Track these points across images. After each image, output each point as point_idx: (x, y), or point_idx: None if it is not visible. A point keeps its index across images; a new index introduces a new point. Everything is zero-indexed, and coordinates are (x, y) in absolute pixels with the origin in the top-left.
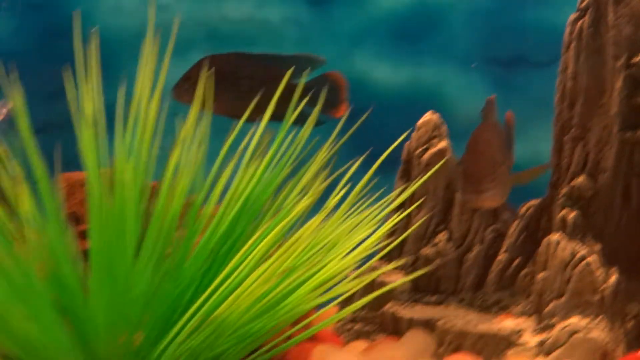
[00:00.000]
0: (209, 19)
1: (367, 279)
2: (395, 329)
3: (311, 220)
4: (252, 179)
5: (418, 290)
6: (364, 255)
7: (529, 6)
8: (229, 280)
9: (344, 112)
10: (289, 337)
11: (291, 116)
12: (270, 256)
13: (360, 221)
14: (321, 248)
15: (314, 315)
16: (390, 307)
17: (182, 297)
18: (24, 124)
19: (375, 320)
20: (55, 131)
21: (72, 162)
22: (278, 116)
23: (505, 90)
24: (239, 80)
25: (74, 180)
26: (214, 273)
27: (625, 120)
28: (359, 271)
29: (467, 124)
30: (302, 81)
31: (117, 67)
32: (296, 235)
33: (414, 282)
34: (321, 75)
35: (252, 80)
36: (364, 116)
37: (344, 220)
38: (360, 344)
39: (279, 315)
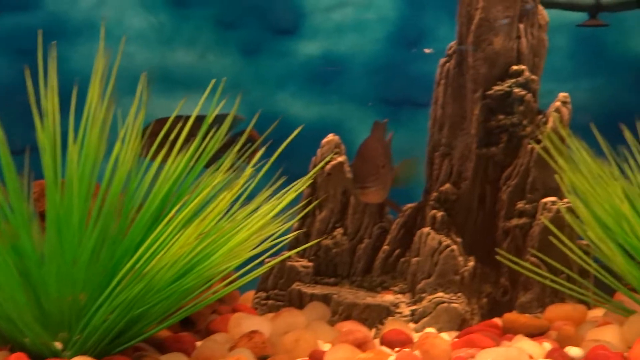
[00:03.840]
0: (163, 64)
1: (276, 261)
2: (300, 303)
3: (221, 195)
4: (177, 167)
5: (319, 274)
6: (266, 231)
7: (414, 60)
8: (155, 245)
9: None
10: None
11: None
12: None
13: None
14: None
15: (230, 279)
16: (296, 286)
17: (120, 263)
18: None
19: (284, 297)
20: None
21: None
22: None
23: (393, 123)
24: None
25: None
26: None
27: (482, 140)
28: (272, 259)
29: None
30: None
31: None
32: (208, 209)
33: (316, 266)
34: (242, 132)
35: (192, 137)
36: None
37: (255, 210)
38: (271, 315)
39: (198, 276)
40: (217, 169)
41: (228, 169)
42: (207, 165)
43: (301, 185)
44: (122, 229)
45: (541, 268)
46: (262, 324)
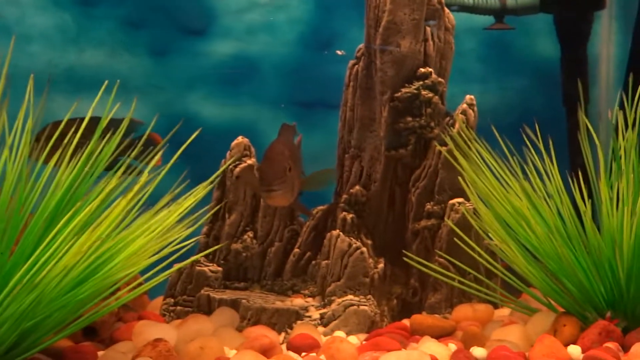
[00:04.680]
0: (70, 64)
1: (183, 264)
2: (209, 309)
3: (116, 202)
4: (71, 172)
5: (229, 279)
6: (168, 236)
7: (326, 62)
8: (46, 254)
9: (159, 163)
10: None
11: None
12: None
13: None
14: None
15: (133, 285)
16: (205, 292)
17: (10, 274)
18: None
19: (193, 303)
20: None
21: None
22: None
23: (305, 125)
24: (80, 139)
25: None
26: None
27: (390, 142)
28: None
29: None
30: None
31: None
32: (103, 216)
33: (226, 271)
34: (142, 135)
35: (87, 139)
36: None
37: (154, 215)
38: (178, 322)
39: (95, 284)
40: (114, 173)
41: (125, 174)
42: (108, 169)
43: (200, 190)
44: (12, 239)
45: (449, 269)
46: (167, 331)
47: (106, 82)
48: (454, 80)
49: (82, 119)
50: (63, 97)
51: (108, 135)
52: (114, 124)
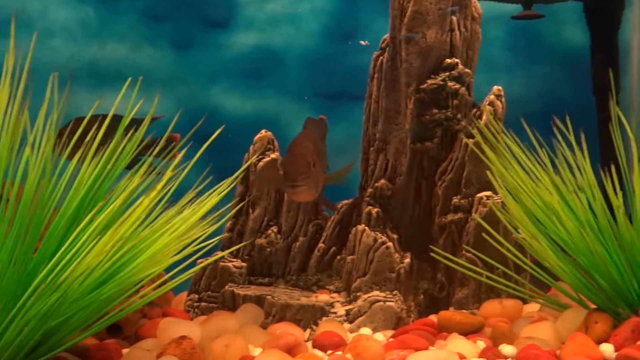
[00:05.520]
0: (92, 58)
1: (208, 262)
2: (234, 305)
3: (139, 200)
4: (94, 170)
5: (254, 274)
6: (191, 234)
7: (350, 53)
8: (70, 254)
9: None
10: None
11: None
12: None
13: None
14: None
15: (158, 282)
16: (229, 287)
17: (34, 273)
18: None
19: (217, 299)
20: None
21: None
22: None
23: (330, 117)
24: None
25: None
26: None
27: (416, 134)
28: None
29: None
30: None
31: None
32: (126, 215)
33: (250, 266)
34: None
35: (109, 138)
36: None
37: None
38: (202, 318)
39: (118, 284)
40: (136, 172)
41: (146, 172)
42: (129, 167)
43: (225, 187)
44: (36, 237)
45: (477, 264)
46: (191, 328)
47: (129, 78)
48: (481, 69)
49: (105, 116)
50: (86, 91)
51: (130, 133)
52: (136, 121)
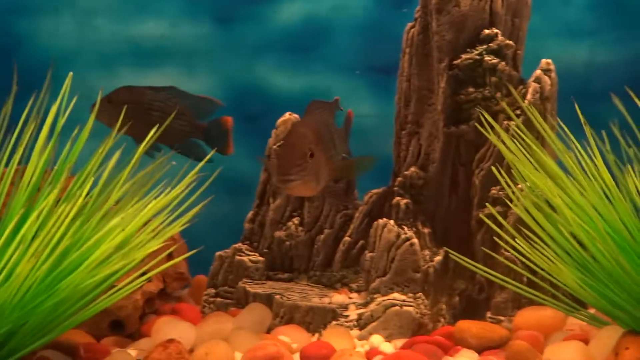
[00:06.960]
0: (132, 36)
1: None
2: (247, 302)
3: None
4: None
5: (274, 269)
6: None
7: (404, 22)
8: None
9: (231, 152)
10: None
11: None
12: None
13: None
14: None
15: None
16: (243, 283)
17: None
18: None
19: (233, 295)
20: None
21: None
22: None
23: (383, 93)
24: (150, 111)
25: None
26: None
27: (449, 116)
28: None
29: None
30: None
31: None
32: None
33: (270, 260)
34: (216, 120)
35: (161, 113)
36: None
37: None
38: (212, 316)
39: (59, 293)
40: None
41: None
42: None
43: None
44: None
45: (516, 264)
46: (185, 330)
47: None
48: (558, 34)
49: (156, 88)
50: (128, 70)
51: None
52: (194, 105)
